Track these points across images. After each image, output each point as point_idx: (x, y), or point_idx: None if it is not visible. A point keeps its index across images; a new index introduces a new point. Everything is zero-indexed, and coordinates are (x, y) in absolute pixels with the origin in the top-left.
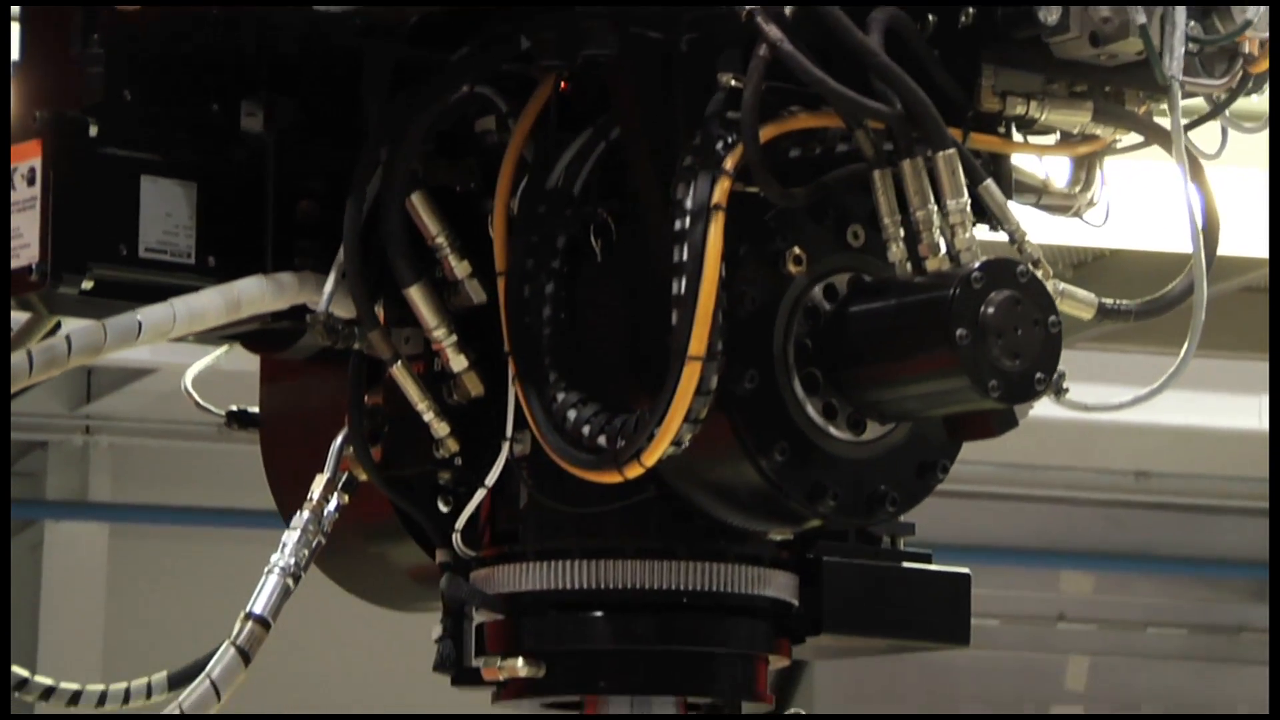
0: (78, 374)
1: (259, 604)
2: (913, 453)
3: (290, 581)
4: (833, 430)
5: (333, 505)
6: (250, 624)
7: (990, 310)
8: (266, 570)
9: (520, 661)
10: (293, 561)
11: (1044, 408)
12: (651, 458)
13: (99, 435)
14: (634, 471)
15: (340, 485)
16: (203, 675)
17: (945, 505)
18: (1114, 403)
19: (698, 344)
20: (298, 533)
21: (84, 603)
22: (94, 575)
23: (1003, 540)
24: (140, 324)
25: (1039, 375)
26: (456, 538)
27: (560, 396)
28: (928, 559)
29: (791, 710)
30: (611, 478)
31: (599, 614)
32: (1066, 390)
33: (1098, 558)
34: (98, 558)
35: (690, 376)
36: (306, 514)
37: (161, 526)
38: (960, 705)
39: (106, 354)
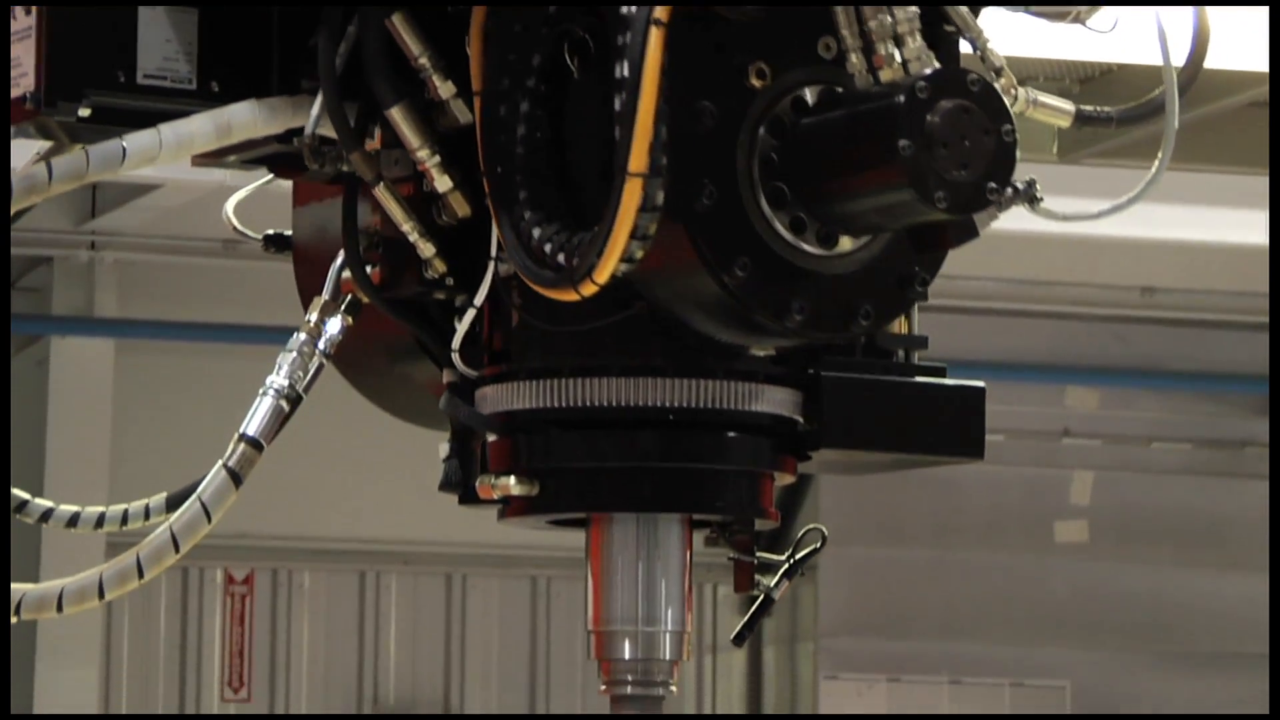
0: (82, 190)
1: (252, 425)
2: (891, 266)
3: (284, 403)
4: (802, 245)
5: (336, 328)
6: (243, 445)
7: (936, 119)
8: (261, 391)
9: (512, 480)
10: (286, 383)
11: (1047, 224)
12: (602, 275)
13: (104, 251)
14: (588, 289)
15: (344, 307)
16: (193, 497)
17: (951, 321)
18: (1090, 212)
19: (637, 160)
20: (293, 354)
21: (90, 417)
22: (100, 390)
23: (1008, 356)
24: (124, 149)
25: (991, 185)
26: (455, 357)
27: (527, 214)
28: (942, 373)
29: (811, 526)
30: (569, 295)
31: (589, 432)
32: (1040, 199)
33: (1103, 373)
34: (104, 373)
35: (632, 193)
36: (303, 336)
37: (167, 342)
38: (966, 519)
39: (91, 180)
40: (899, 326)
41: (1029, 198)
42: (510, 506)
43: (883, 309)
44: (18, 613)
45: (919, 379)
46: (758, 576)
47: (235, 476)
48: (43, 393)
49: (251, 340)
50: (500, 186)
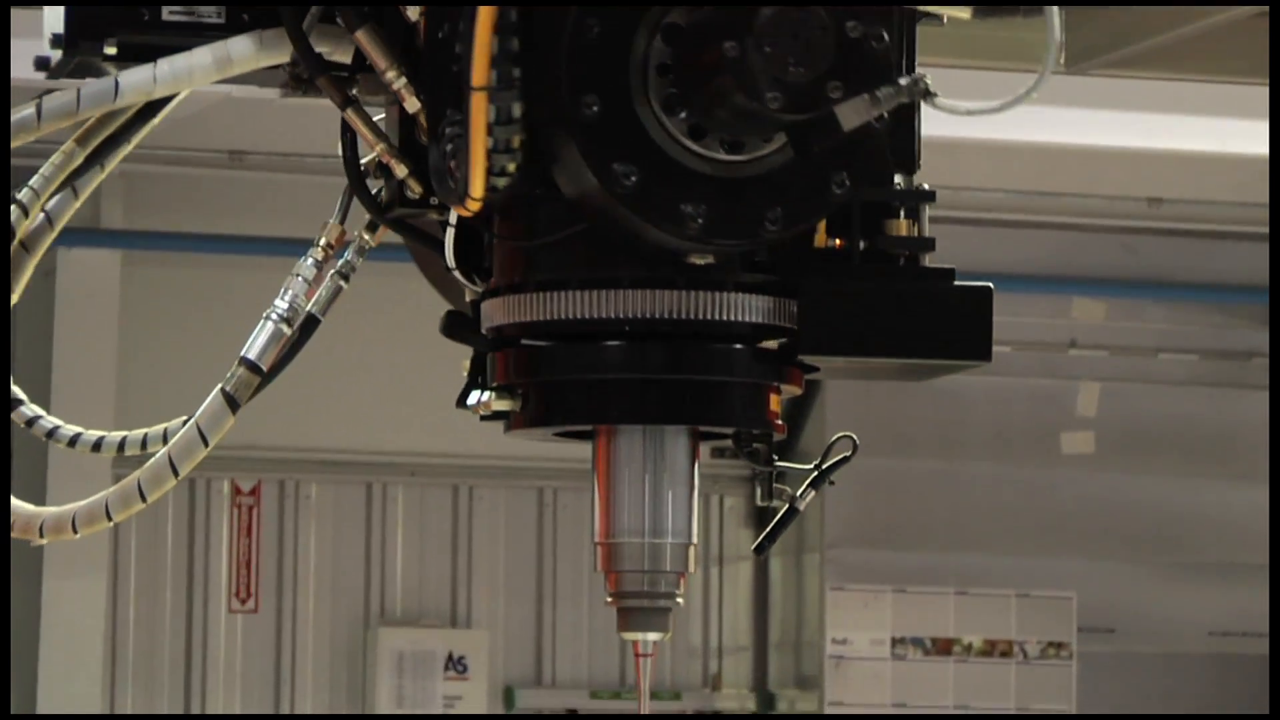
0: None
1: (252, 350)
2: (810, 168)
3: (285, 327)
4: (702, 150)
5: (350, 252)
6: (241, 369)
7: (762, 17)
8: (265, 315)
9: (493, 395)
10: (286, 306)
11: (1055, 135)
12: (475, 190)
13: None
14: (473, 205)
15: (366, 226)
16: (190, 422)
17: (957, 232)
18: (992, 104)
19: (478, 75)
20: (298, 278)
21: (97, 328)
22: (107, 301)
23: (1015, 267)
24: (117, 85)
25: (834, 83)
26: (457, 274)
27: (447, 130)
28: (950, 276)
29: (842, 434)
30: (461, 210)
31: (581, 344)
32: (935, 95)
33: (1110, 284)
34: (110, 284)
35: (478, 108)
36: (309, 260)
37: (173, 253)
38: (972, 431)
39: (83, 118)
40: (904, 229)
41: (920, 93)
42: (515, 419)
43: (795, 213)
44: (41, 535)
45: (913, 283)
46: (779, 486)
47: (231, 401)
48: (49, 304)
49: (258, 252)
50: (433, 105)
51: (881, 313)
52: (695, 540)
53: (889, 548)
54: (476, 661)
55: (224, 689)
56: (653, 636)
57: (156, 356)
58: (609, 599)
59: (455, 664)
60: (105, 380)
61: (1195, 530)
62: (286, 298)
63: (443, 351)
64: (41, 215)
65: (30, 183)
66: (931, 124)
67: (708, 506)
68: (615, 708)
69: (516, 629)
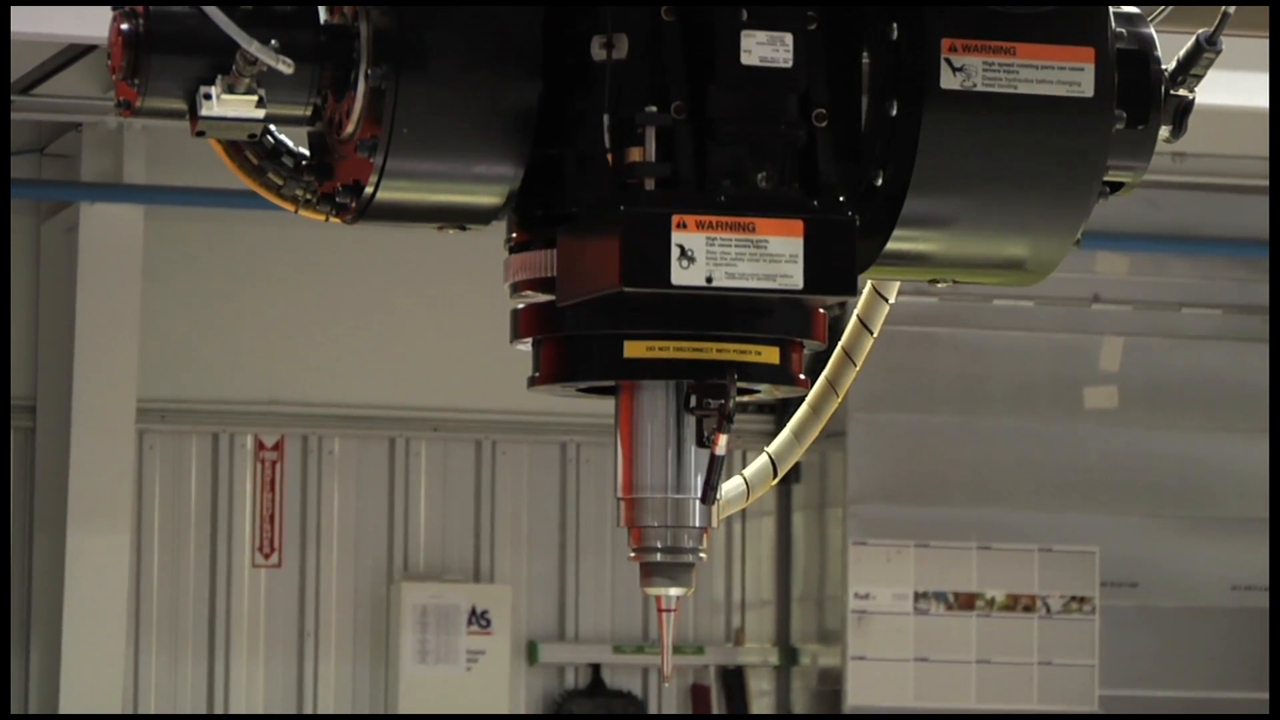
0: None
1: None
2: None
3: None
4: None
5: None
6: None
7: None
8: None
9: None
10: None
11: None
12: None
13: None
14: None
15: None
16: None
17: None
18: None
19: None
20: None
21: (120, 284)
22: (129, 256)
23: None
24: None
25: (135, 82)
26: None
27: None
28: (627, 200)
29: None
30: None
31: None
32: (282, 61)
33: (1133, 238)
34: (133, 239)
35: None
36: None
37: (196, 208)
38: (995, 385)
39: None
40: (640, 154)
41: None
42: (539, 374)
43: (353, 184)
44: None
45: (611, 214)
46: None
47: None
48: (72, 259)
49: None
50: None
51: (588, 253)
52: (719, 495)
53: (911, 502)
54: (499, 616)
55: (247, 643)
56: (675, 592)
57: (179, 310)
58: (632, 554)
59: (478, 618)
60: (128, 334)
61: (1218, 485)
62: None
63: (466, 308)
64: None
65: None
66: None
67: (730, 461)
68: (638, 662)
69: (539, 583)
